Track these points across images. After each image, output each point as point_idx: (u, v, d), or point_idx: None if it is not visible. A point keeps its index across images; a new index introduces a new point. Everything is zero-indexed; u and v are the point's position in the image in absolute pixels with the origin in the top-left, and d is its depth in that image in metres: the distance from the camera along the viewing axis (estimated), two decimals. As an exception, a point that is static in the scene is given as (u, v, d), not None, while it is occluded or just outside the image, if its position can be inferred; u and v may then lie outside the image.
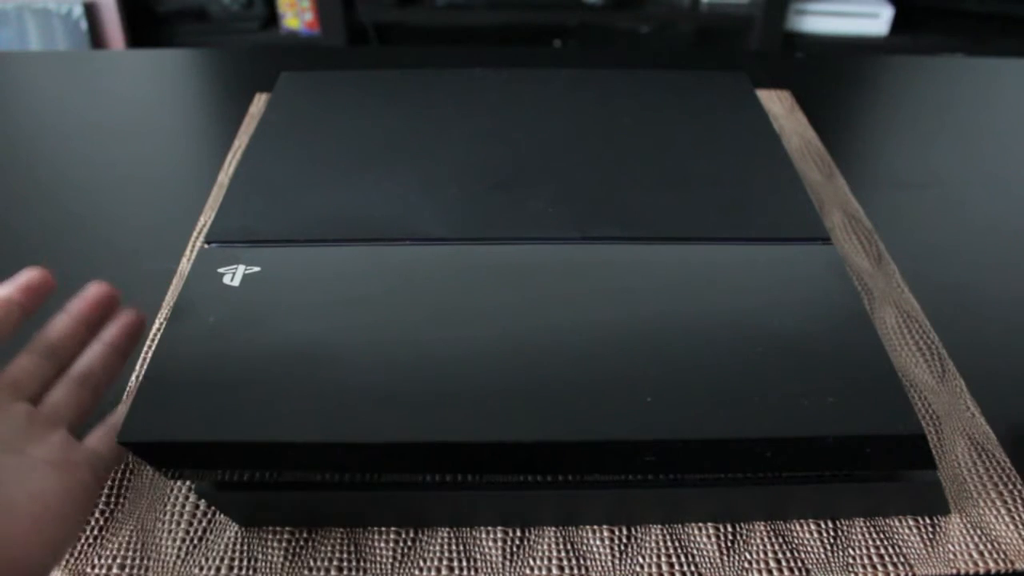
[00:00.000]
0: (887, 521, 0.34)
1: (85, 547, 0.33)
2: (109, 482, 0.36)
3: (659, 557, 0.33)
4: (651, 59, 0.88)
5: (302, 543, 0.34)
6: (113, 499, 0.35)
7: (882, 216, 0.54)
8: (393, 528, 0.34)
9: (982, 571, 0.33)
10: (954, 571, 0.33)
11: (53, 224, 0.54)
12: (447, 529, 0.34)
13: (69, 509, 0.29)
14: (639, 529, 0.34)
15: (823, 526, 0.34)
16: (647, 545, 0.34)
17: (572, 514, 0.34)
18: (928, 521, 0.35)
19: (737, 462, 0.30)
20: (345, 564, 0.33)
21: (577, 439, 0.29)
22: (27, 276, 0.33)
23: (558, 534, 0.34)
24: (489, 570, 0.33)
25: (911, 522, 0.34)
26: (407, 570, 0.33)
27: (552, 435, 0.29)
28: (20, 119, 0.68)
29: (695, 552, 0.34)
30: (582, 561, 0.33)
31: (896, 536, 0.34)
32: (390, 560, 0.33)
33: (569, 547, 0.34)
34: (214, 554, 0.33)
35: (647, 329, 0.33)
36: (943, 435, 0.38)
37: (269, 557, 0.33)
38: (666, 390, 0.30)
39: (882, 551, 0.33)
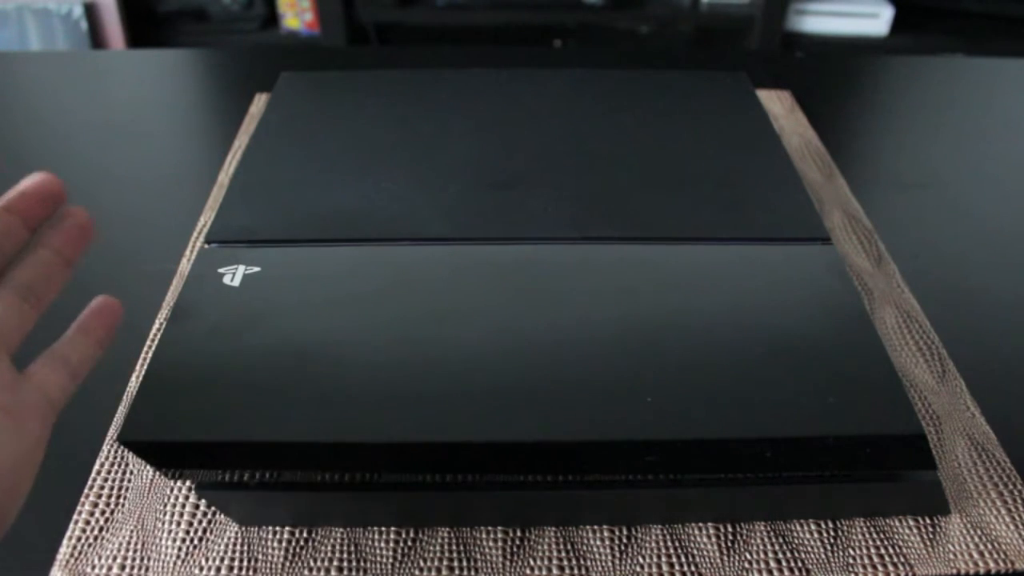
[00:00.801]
0: (887, 521, 0.34)
1: (85, 547, 0.33)
2: (109, 482, 0.36)
3: (659, 557, 0.33)
4: (651, 59, 0.88)
5: (302, 543, 0.34)
6: (113, 499, 0.35)
7: (882, 216, 0.54)
8: (393, 528, 0.34)
9: (982, 571, 0.33)
10: (954, 571, 0.33)
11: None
12: (447, 529, 0.34)
13: (25, 468, 0.24)
14: (639, 529, 0.34)
15: (823, 526, 0.34)
16: (647, 545, 0.34)
17: (572, 514, 0.34)
18: (928, 521, 0.34)
19: (737, 462, 0.30)
20: (345, 564, 0.33)
21: (577, 439, 0.29)
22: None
23: (558, 534, 0.34)
24: (489, 570, 0.33)
25: (911, 522, 0.34)
26: (407, 570, 0.33)
27: (552, 435, 0.29)
28: (20, 119, 0.68)
29: (695, 552, 0.33)
30: (582, 561, 0.33)
31: (896, 536, 0.34)
32: (390, 560, 0.33)
33: (569, 547, 0.34)
34: (214, 554, 0.33)
35: (647, 329, 0.33)
36: (943, 435, 0.38)
37: (269, 557, 0.33)
38: (666, 390, 0.30)
39: (882, 551, 0.33)
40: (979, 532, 0.34)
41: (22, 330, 0.27)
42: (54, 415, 0.27)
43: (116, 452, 0.37)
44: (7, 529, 0.24)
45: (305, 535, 0.34)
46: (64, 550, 0.33)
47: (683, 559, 0.33)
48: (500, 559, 0.33)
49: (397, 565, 0.33)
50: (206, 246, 0.38)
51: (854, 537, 0.34)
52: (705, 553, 0.33)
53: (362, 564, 0.33)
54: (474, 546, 0.34)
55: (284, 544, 0.34)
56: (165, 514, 0.35)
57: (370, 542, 0.34)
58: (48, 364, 0.27)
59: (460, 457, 0.30)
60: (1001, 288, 0.49)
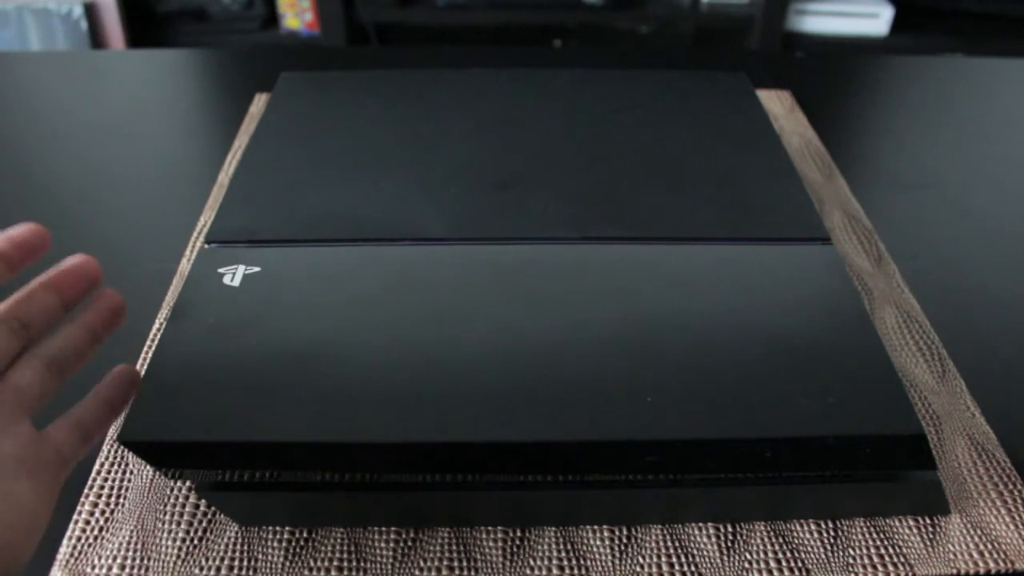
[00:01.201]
0: (887, 521, 0.34)
1: (85, 547, 0.33)
2: (109, 482, 0.36)
3: (659, 557, 0.33)
4: (651, 59, 0.88)
5: (302, 543, 0.34)
6: (113, 499, 0.35)
7: (882, 216, 0.54)
8: (393, 528, 0.34)
9: (982, 571, 0.33)
10: (954, 571, 0.33)
11: (52, 224, 0.54)
12: (447, 529, 0.34)
13: (41, 516, 0.26)
14: (639, 529, 0.34)
15: (823, 526, 0.34)
16: (647, 545, 0.34)
17: (572, 514, 0.34)
18: (928, 521, 0.34)
19: (737, 462, 0.30)
20: (345, 564, 0.33)
21: (577, 439, 0.29)
22: (19, 229, 0.30)
23: (558, 534, 0.34)
24: (489, 570, 0.33)
25: (911, 522, 0.34)
26: (407, 570, 0.33)
27: (552, 435, 0.29)
28: (20, 119, 0.68)
29: (695, 552, 0.34)
30: (582, 561, 0.33)
31: (896, 536, 0.34)
32: (390, 560, 0.33)
33: (569, 547, 0.34)
34: (214, 554, 0.33)
35: (647, 329, 0.33)
36: (943, 435, 0.38)
37: (269, 557, 0.33)
38: (666, 390, 0.30)
39: (882, 551, 0.33)
40: (979, 532, 0.34)
41: (44, 397, 0.29)
42: (66, 472, 0.29)
43: (116, 452, 0.37)
44: (20, 571, 0.26)
45: (305, 535, 0.34)
46: (64, 550, 0.33)
47: (683, 559, 0.33)
48: (500, 559, 0.33)
49: (397, 565, 0.33)
50: (206, 246, 0.38)
51: (854, 537, 0.34)
52: (705, 553, 0.33)
53: (362, 564, 0.33)
54: (474, 546, 0.34)
55: (284, 544, 0.34)
56: (165, 514, 0.35)
57: (370, 542, 0.34)
58: (63, 426, 0.29)
59: (460, 457, 0.30)
60: (1001, 288, 0.49)
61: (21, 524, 0.25)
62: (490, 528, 0.34)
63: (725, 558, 0.33)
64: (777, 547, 0.34)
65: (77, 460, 0.30)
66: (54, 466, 0.28)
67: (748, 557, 0.33)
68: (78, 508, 0.35)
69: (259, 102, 0.66)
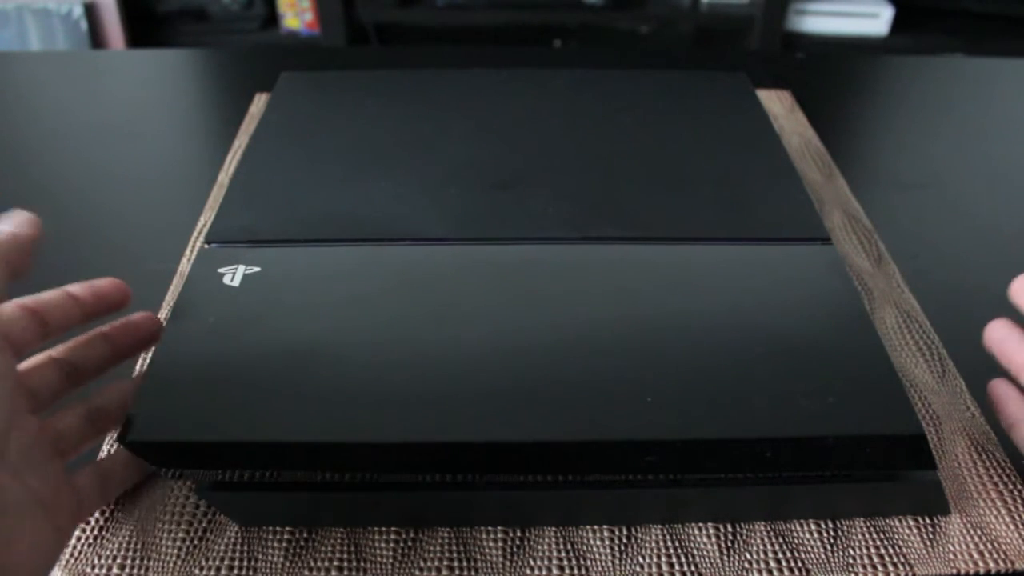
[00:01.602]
0: (887, 521, 0.34)
1: (85, 547, 0.33)
2: (109, 482, 0.36)
3: (659, 557, 0.33)
4: (651, 59, 0.88)
5: (302, 543, 0.34)
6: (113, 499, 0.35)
7: (882, 216, 0.54)
8: (393, 528, 0.34)
9: (982, 571, 0.33)
10: (954, 571, 0.33)
11: (52, 225, 0.54)
12: (447, 529, 0.34)
13: (50, 557, 0.27)
14: (639, 529, 0.34)
15: (823, 526, 0.34)
16: (647, 545, 0.34)
17: (572, 514, 0.34)
18: (928, 521, 0.34)
19: (737, 462, 0.30)
20: (345, 564, 0.33)
21: (577, 439, 0.29)
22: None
23: (558, 534, 0.34)
24: (489, 570, 0.33)
25: (911, 522, 0.34)
26: (407, 570, 0.33)
27: (552, 435, 0.29)
28: (20, 119, 0.68)
29: (695, 552, 0.34)
30: (582, 561, 0.33)
31: (896, 536, 0.34)
32: (390, 560, 0.33)
33: (569, 547, 0.34)
34: (214, 554, 0.33)
35: (647, 329, 0.33)
36: (943, 435, 0.38)
37: (269, 557, 0.33)
38: (666, 390, 0.30)
39: (882, 551, 0.33)
40: (979, 532, 0.34)
41: (81, 446, 0.30)
42: (82, 519, 0.30)
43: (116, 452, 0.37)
44: None
45: (305, 535, 0.34)
46: (64, 550, 0.33)
47: (683, 559, 0.33)
48: (500, 559, 0.33)
49: (397, 565, 0.33)
50: (206, 246, 0.38)
51: (854, 537, 0.34)
52: (705, 553, 0.33)
53: (362, 564, 0.33)
54: (474, 546, 0.34)
55: (284, 544, 0.34)
56: (165, 514, 0.35)
57: (370, 542, 0.34)
58: (89, 476, 0.30)
59: (460, 457, 0.30)
60: (1001, 288, 0.49)
61: (32, 561, 0.26)
62: (490, 528, 0.34)
63: (725, 558, 0.33)
64: (777, 547, 0.34)
65: (95, 511, 0.31)
66: (72, 511, 0.28)
67: (748, 557, 0.33)
68: (78, 508, 0.35)
69: (259, 102, 0.66)
